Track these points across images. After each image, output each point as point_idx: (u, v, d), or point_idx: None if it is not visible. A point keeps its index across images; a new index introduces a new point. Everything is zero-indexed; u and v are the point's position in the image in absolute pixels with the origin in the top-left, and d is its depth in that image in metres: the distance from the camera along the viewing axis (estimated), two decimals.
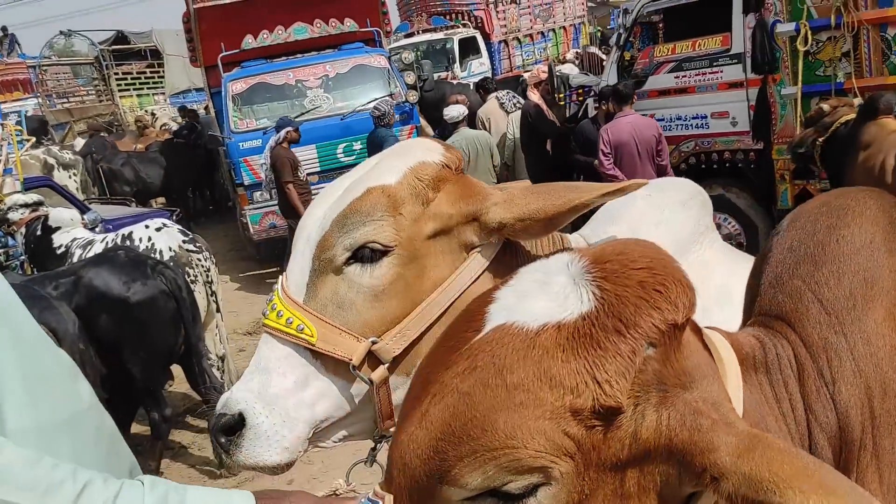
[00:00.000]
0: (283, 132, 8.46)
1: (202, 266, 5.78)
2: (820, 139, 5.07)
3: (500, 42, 18.28)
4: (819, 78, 6.27)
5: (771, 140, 6.68)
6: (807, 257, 1.16)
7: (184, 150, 14.42)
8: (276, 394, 1.47)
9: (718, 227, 8.20)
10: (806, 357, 1.09)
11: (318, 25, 10.62)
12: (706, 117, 7.13)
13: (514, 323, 0.90)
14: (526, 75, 11.12)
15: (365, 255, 1.51)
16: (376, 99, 9.64)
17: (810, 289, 1.13)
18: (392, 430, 1.50)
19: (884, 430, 1.08)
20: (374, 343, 1.48)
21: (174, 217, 8.06)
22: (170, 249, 5.74)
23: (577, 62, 13.07)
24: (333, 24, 10.67)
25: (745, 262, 1.79)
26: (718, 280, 1.71)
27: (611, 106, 6.81)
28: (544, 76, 8.34)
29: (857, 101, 5.38)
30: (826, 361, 1.09)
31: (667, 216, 1.71)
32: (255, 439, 1.47)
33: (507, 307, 0.93)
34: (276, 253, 9.90)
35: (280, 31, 10.51)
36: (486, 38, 17.79)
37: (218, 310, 5.92)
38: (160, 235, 5.86)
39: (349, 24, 10.76)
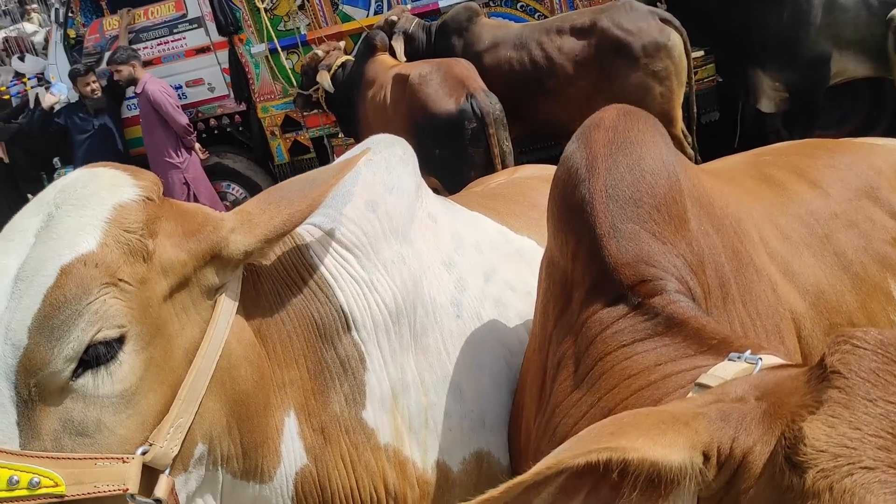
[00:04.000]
0: None
1: None
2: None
3: None
4: (283, 32, 6.56)
5: (253, 100, 6.78)
6: (628, 201, 1.21)
7: None
8: None
9: (223, 195, 8.01)
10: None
11: None
12: (181, 87, 6.85)
13: None
14: None
15: (100, 354, 1.15)
16: None
17: (646, 229, 1.19)
18: None
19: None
20: (144, 454, 1.18)
21: None
22: None
23: None
24: None
25: (451, 204, 1.86)
26: (448, 230, 1.73)
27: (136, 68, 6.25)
28: None
29: (342, 44, 5.79)
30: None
31: (395, 178, 1.64)
32: None
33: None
34: None
35: None
36: None
37: None
38: None
39: None
